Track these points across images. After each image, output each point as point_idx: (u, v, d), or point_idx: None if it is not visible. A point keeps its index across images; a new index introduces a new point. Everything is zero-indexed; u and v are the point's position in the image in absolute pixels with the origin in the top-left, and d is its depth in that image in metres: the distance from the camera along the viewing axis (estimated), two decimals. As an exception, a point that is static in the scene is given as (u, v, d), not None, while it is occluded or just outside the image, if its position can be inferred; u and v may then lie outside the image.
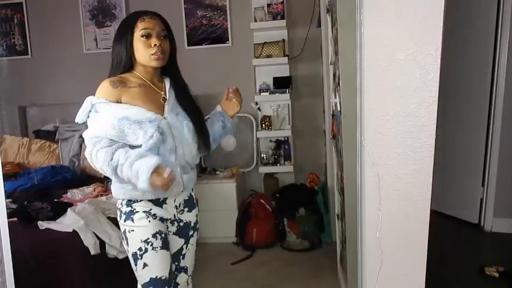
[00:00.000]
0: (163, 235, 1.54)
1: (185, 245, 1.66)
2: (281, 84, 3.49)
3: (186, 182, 1.57)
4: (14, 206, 2.48)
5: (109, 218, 2.33)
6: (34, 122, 3.88)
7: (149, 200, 1.52)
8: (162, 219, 1.57)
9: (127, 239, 1.52)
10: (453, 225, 3.38)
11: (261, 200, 3.29)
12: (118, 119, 1.42)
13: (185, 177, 1.56)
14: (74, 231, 2.11)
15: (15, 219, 2.22)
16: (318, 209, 3.22)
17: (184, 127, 1.52)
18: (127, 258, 2.20)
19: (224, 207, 3.30)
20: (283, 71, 3.53)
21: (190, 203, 1.66)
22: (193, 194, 1.69)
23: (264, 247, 3.18)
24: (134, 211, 1.51)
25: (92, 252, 2.08)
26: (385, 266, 1.50)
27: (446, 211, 3.50)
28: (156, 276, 1.49)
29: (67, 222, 2.22)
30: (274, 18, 3.43)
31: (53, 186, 3.01)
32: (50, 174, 3.17)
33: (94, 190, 2.85)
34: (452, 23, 3.15)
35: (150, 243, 1.49)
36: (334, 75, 2.33)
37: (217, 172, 3.48)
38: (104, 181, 3.16)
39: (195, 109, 1.61)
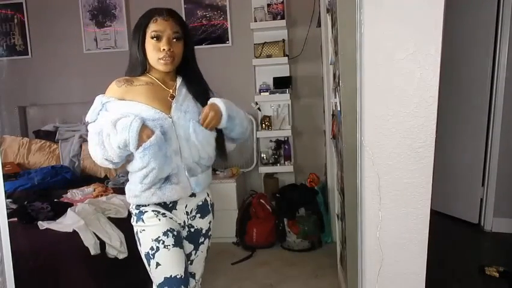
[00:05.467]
0: (175, 233, 1.49)
1: (194, 251, 1.62)
2: (281, 84, 3.49)
3: (195, 185, 1.51)
4: (14, 206, 2.48)
5: (109, 218, 2.33)
6: (34, 122, 3.88)
7: (157, 204, 1.49)
8: (173, 220, 1.53)
9: (139, 240, 1.50)
10: (453, 225, 3.38)
11: (261, 200, 3.29)
12: (122, 115, 1.39)
13: (193, 180, 1.49)
14: (74, 231, 2.11)
15: (16, 219, 2.22)
16: (318, 209, 3.22)
17: (190, 126, 1.45)
18: (127, 258, 2.23)
19: (224, 207, 3.30)
20: (283, 71, 3.53)
21: (204, 209, 1.61)
22: (208, 199, 1.63)
23: (264, 247, 3.18)
24: (144, 211, 1.48)
25: (92, 252, 2.08)
26: (385, 266, 1.50)
27: (446, 211, 3.50)
28: (171, 275, 1.45)
29: (67, 223, 2.22)
30: (274, 18, 3.43)
31: (53, 187, 3.01)
32: (50, 174, 3.17)
33: (94, 190, 2.84)
34: (452, 23, 3.15)
35: (161, 242, 1.46)
36: (334, 75, 2.33)
37: (217, 172, 3.48)
38: (104, 181, 3.16)
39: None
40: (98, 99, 1.44)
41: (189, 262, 1.61)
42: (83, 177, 3.33)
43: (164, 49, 1.42)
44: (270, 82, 3.54)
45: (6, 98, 3.84)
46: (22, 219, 2.25)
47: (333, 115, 2.47)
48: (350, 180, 1.60)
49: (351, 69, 1.44)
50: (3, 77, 3.79)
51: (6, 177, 2.92)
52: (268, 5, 3.45)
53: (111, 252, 2.20)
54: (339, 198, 2.39)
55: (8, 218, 1.26)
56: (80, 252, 2.06)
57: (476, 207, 3.30)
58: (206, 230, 1.64)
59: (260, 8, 3.42)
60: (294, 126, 3.62)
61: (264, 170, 3.58)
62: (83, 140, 3.49)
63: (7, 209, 1.28)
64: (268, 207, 3.27)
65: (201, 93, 1.55)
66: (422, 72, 1.35)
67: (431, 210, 1.45)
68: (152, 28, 1.43)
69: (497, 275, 2.48)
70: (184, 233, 1.58)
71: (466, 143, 3.34)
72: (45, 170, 3.23)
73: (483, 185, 3.25)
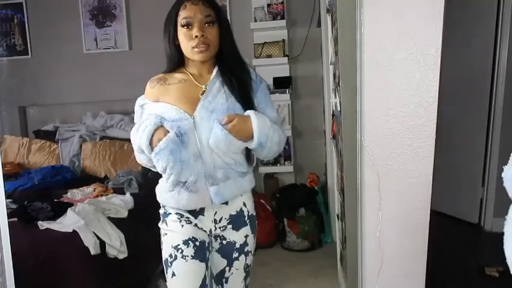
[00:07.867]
0: (197, 243, 1.37)
1: (227, 268, 1.44)
2: (281, 84, 3.49)
3: (214, 195, 1.33)
4: (14, 206, 2.48)
5: (109, 218, 2.33)
6: (34, 122, 3.87)
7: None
8: (199, 226, 1.40)
9: (162, 243, 1.42)
10: (453, 225, 3.38)
11: (261, 200, 3.29)
12: (148, 117, 1.36)
13: (212, 189, 1.33)
14: (74, 231, 2.11)
15: (15, 219, 2.22)
16: (318, 209, 3.22)
17: (213, 128, 1.30)
18: (127, 258, 2.23)
19: (224, 207, 3.30)
20: (283, 71, 3.53)
21: (237, 220, 1.42)
22: (245, 209, 1.43)
23: (264, 247, 3.17)
24: (168, 212, 1.40)
25: (92, 252, 2.08)
26: (385, 266, 1.50)
27: (446, 211, 3.49)
28: None
29: (67, 222, 2.22)
30: (274, 18, 3.43)
31: (53, 186, 3.00)
32: (50, 174, 3.17)
33: (94, 190, 2.84)
34: (452, 23, 3.14)
35: (180, 250, 1.35)
36: (334, 75, 2.33)
37: (217, 172, 3.48)
38: (104, 181, 3.16)
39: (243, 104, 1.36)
40: (137, 102, 1.42)
41: (224, 280, 1.46)
42: (83, 177, 3.33)
43: (196, 36, 1.29)
44: (270, 82, 3.54)
45: (6, 98, 3.84)
46: (22, 219, 2.25)
47: (333, 115, 2.47)
48: (350, 180, 1.60)
49: (351, 69, 1.44)
50: (3, 77, 3.79)
51: (6, 177, 2.90)
52: (268, 5, 3.45)
53: (111, 252, 2.20)
54: (339, 198, 2.39)
55: (8, 218, 1.26)
56: (80, 252, 2.06)
57: (476, 207, 3.30)
58: (241, 245, 1.43)
59: (260, 8, 3.42)
60: (294, 126, 3.62)
61: (264, 170, 3.58)
62: (83, 140, 3.49)
63: (7, 209, 1.28)
64: (268, 207, 3.27)
65: (239, 83, 1.37)
66: (422, 72, 1.35)
67: (431, 210, 1.45)
68: (182, 15, 1.31)
69: (497, 275, 2.48)
70: (216, 245, 1.45)
71: (466, 143, 3.34)
72: (45, 170, 3.22)
73: (483, 185, 3.25)
